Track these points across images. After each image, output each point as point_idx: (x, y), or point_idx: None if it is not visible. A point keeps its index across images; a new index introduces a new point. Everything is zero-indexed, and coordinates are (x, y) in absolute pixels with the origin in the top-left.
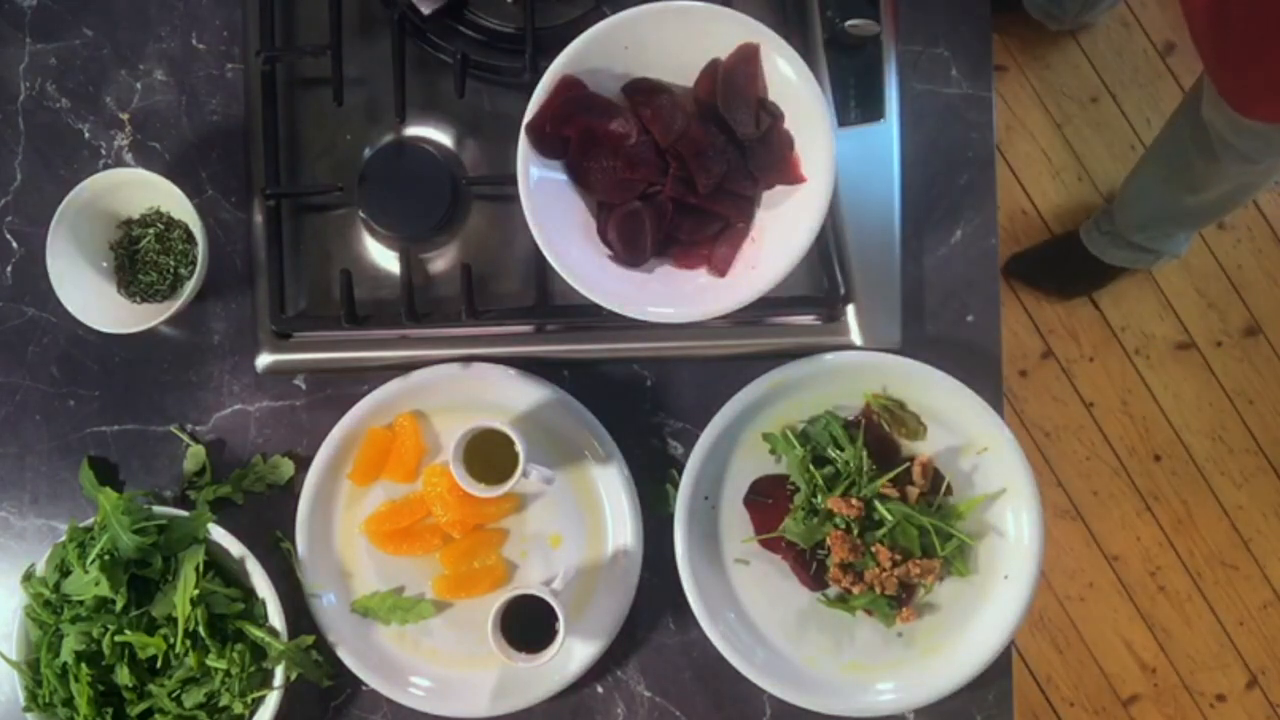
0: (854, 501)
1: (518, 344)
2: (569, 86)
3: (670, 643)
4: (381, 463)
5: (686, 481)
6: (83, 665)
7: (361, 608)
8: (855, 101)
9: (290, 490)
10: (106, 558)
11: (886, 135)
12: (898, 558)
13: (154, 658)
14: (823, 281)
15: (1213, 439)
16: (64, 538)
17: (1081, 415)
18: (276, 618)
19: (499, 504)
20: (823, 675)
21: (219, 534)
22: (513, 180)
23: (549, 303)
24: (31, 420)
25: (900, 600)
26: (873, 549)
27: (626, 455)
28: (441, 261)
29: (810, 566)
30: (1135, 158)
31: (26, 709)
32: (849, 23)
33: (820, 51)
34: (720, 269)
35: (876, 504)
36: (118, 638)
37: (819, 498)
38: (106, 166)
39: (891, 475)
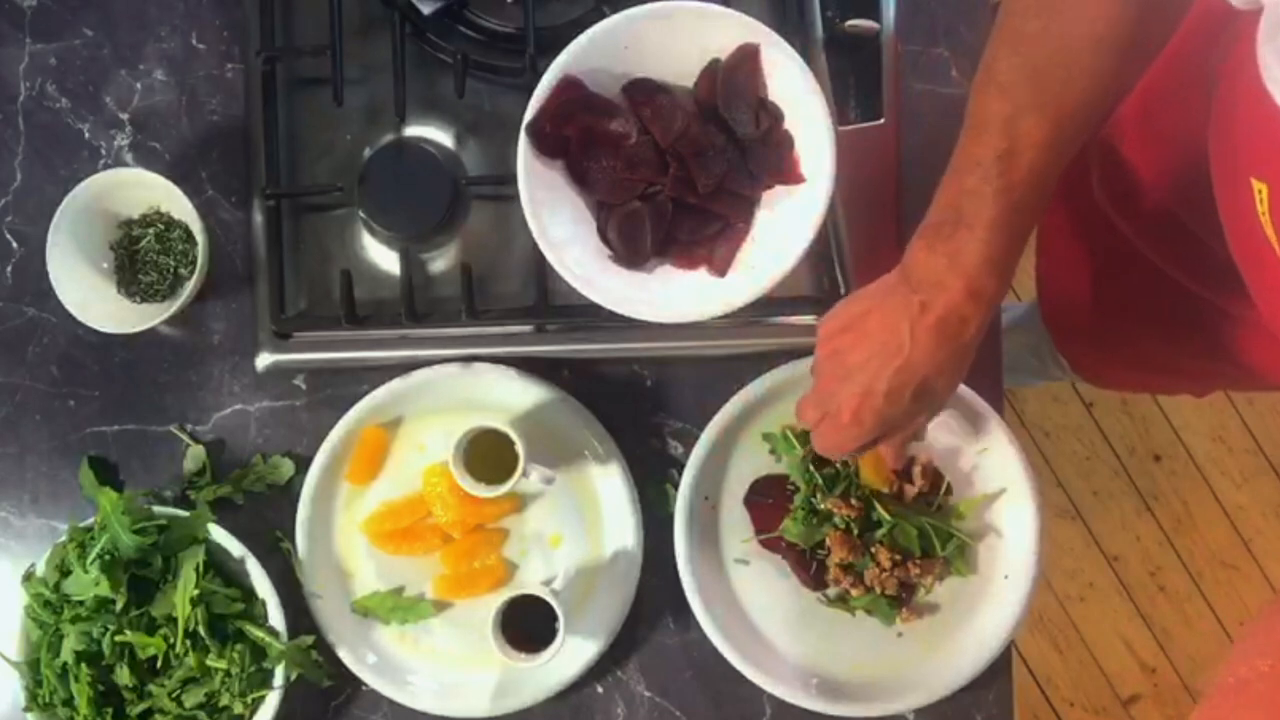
0: (853, 502)
1: (518, 344)
2: (569, 86)
3: (670, 643)
4: (380, 462)
5: (686, 481)
6: (83, 665)
7: (361, 608)
8: (855, 101)
9: (290, 490)
10: (106, 558)
11: (886, 135)
12: (898, 558)
13: (154, 658)
14: (823, 281)
15: (1213, 439)
16: (64, 538)
17: (1081, 415)
18: (276, 618)
19: (499, 504)
20: (823, 675)
21: (219, 534)
22: (513, 180)
23: (549, 303)
24: (31, 420)
25: (900, 600)
26: (872, 549)
27: (626, 455)
28: (441, 261)
29: (810, 566)
30: None
31: (26, 709)
32: (849, 23)
33: (820, 51)
34: (720, 269)
35: (875, 504)
36: (118, 638)
37: (819, 498)
38: (106, 166)
39: None
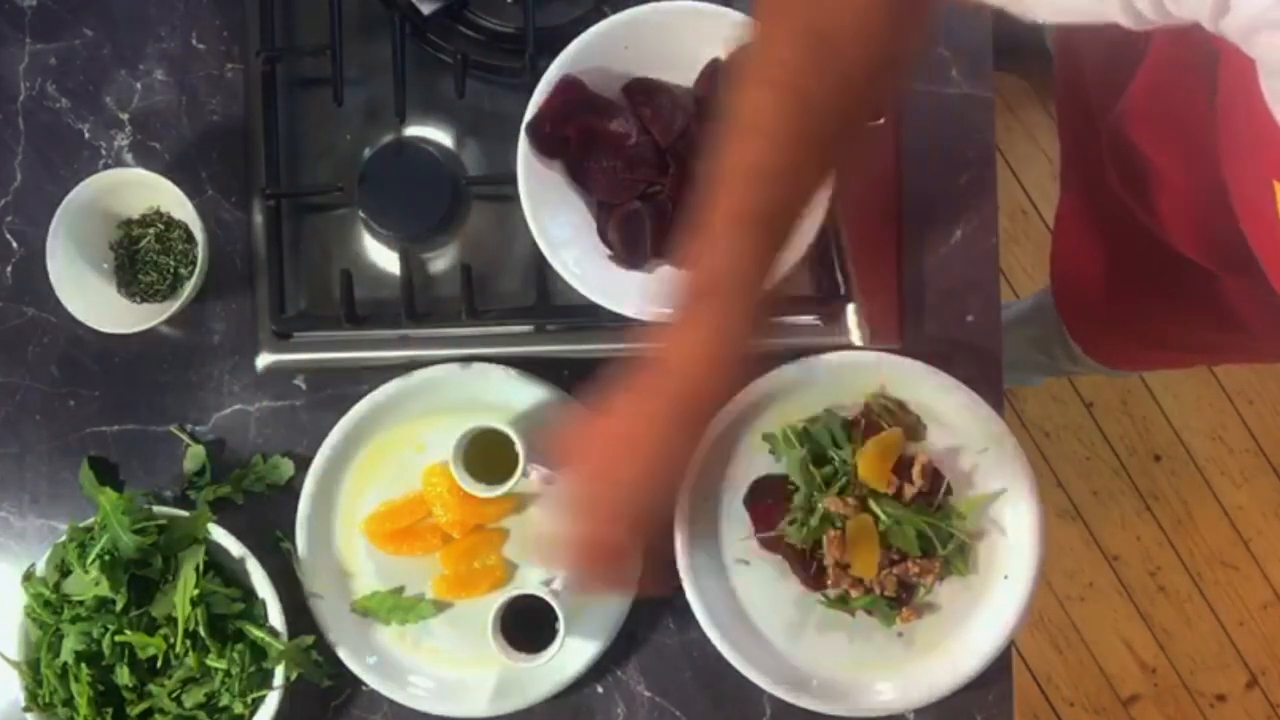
0: (851, 501)
1: (518, 344)
2: (569, 87)
3: (670, 643)
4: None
5: (686, 481)
6: (83, 665)
7: (361, 608)
8: None
9: (290, 490)
10: (106, 558)
11: (886, 135)
12: (896, 557)
13: (154, 658)
14: (823, 281)
15: (1213, 439)
16: (64, 538)
17: (1081, 415)
18: (276, 618)
19: (499, 504)
20: (823, 675)
21: (219, 534)
22: (513, 180)
23: (549, 303)
24: (31, 420)
25: (900, 600)
26: None
27: None
28: (441, 261)
29: (810, 566)
30: None
31: (26, 709)
32: None
33: None
34: None
35: (874, 504)
36: (118, 638)
37: (818, 498)
38: (106, 166)
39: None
